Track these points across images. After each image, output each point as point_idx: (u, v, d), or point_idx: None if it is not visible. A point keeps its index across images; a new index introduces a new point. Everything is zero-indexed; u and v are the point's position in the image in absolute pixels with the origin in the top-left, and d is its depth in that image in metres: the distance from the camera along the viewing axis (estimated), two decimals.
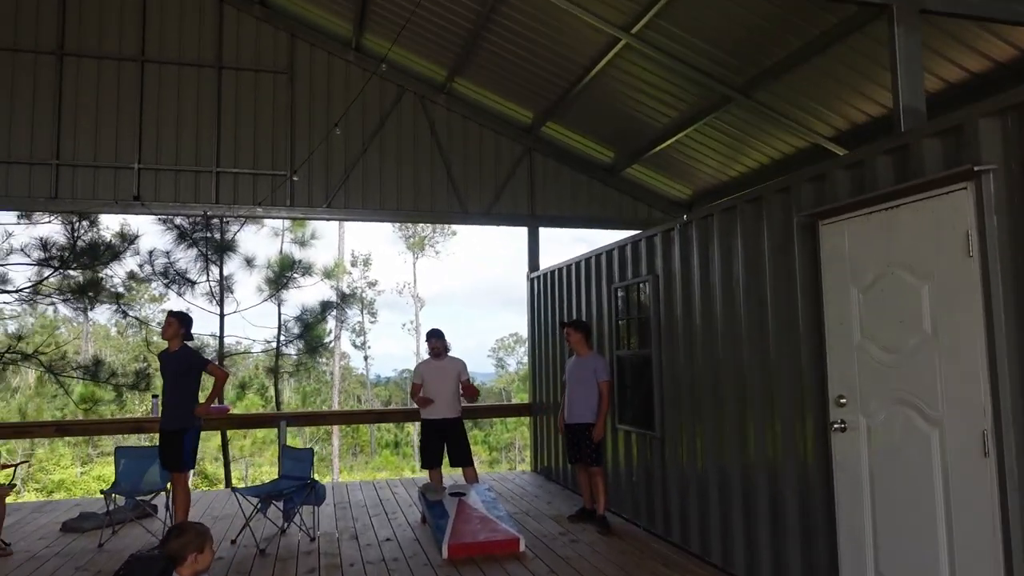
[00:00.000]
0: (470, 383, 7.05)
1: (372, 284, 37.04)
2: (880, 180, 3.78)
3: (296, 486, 6.23)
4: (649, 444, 6.34)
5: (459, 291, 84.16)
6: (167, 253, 11.52)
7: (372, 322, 39.90)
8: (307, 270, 12.52)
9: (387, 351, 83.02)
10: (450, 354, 7.12)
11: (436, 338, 7.02)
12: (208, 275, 11.81)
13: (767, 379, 4.70)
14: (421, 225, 35.06)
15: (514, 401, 35.58)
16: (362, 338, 37.68)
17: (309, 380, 36.19)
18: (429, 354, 7.07)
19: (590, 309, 7.72)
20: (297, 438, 23.55)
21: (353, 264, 36.62)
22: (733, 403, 5.08)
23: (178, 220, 11.46)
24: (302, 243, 13.03)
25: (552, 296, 8.95)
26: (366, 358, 38.09)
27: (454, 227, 44.58)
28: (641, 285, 6.49)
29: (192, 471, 6.12)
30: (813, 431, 4.26)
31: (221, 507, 7.61)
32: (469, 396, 7.01)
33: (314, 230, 12.96)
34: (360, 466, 31.91)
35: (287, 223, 13.28)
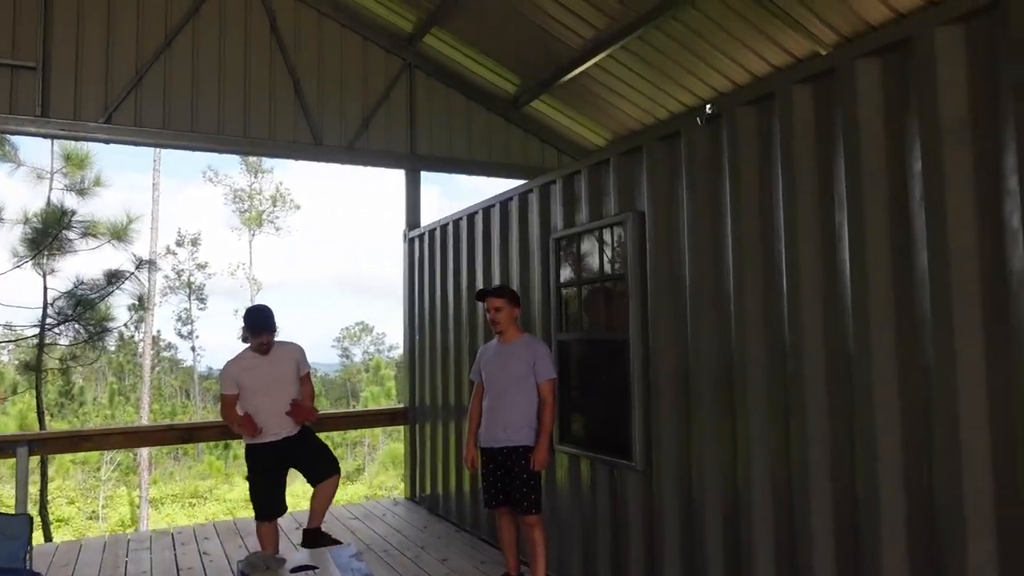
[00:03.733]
0: (309, 379, 4.55)
1: (202, 266, 32.69)
2: None
3: None
4: (621, 480, 4.04)
5: (302, 276, 79.09)
6: None
7: (201, 308, 35.45)
8: (88, 229, 8.92)
9: (221, 341, 75.82)
10: (278, 339, 4.45)
11: (265, 329, 4.27)
12: None
13: (918, 376, 2.52)
14: (258, 199, 31.01)
15: (362, 396, 32.40)
16: (189, 327, 33.30)
17: (125, 377, 31.08)
18: (250, 349, 4.38)
19: (508, 273, 5.32)
20: (99, 455, 19.19)
21: (179, 244, 32.02)
22: (816, 422, 2.88)
23: None
24: (80, 191, 9.31)
25: (444, 259, 6.43)
26: (193, 349, 33.76)
27: (297, 201, 40.53)
28: (607, 232, 4.17)
29: None
30: None
31: None
32: (299, 414, 4.32)
33: (99, 174, 9.38)
34: (182, 472, 27.74)
35: (59, 162, 9.56)
